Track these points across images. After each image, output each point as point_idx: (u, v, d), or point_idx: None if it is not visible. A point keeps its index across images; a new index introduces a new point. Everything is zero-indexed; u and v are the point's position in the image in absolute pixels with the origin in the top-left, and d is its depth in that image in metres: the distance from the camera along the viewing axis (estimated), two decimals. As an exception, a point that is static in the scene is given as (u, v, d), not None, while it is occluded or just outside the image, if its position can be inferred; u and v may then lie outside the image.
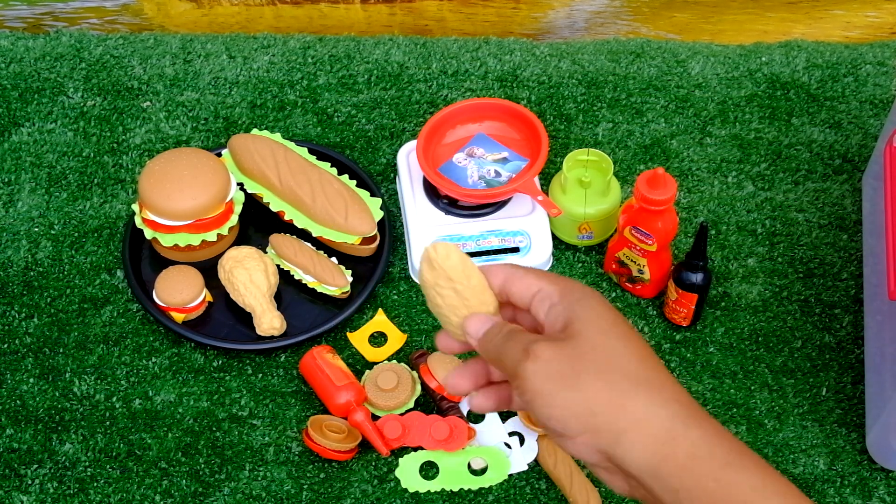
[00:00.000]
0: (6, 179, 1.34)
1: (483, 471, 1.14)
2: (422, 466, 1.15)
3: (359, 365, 1.21)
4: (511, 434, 1.16)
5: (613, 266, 1.24)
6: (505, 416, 1.18)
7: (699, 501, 0.58)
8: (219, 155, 1.31)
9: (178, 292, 1.20)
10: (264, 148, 1.26)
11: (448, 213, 1.26)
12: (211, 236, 1.23)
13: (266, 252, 1.26)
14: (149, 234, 1.23)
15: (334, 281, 1.21)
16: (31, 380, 1.20)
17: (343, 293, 1.23)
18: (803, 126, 1.38)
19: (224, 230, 1.24)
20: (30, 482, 1.13)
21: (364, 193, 1.26)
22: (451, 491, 1.13)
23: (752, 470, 0.59)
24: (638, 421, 0.59)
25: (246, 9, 1.49)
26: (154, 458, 1.15)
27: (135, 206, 1.25)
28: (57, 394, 1.19)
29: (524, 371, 0.61)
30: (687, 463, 0.58)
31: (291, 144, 1.30)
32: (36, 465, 1.14)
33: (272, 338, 1.20)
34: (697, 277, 1.16)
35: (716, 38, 1.49)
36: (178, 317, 1.22)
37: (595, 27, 1.50)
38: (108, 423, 1.17)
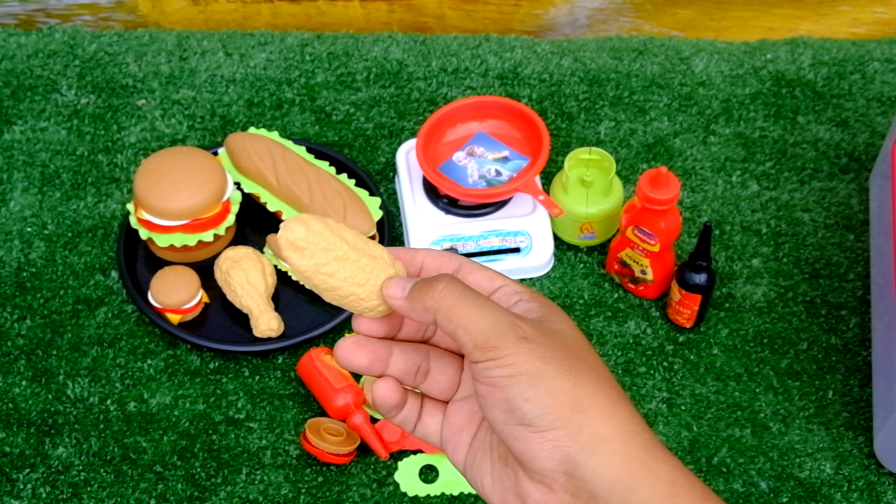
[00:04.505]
0: (-1, 178, 1.33)
1: (484, 475, 1.13)
2: (421, 470, 1.14)
3: (357, 367, 1.20)
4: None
5: (616, 266, 1.23)
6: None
7: None
8: (215, 154, 1.30)
9: (174, 293, 1.19)
10: (261, 147, 1.25)
11: (448, 212, 1.25)
12: (207, 236, 1.22)
13: (263, 252, 1.25)
14: (144, 234, 1.22)
15: (332, 282, 1.20)
16: (24, 382, 1.18)
17: (341, 294, 1.22)
18: (809, 124, 1.36)
19: (221, 230, 1.23)
20: (22, 487, 1.12)
21: (363, 193, 1.25)
22: (451, 495, 1.12)
23: None
24: (622, 434, 0.55)
25: (242, 6, 1.47)
26: (149, 461, 1.14)
27: (130, 206, 1.24)
28: (50, 396, 1.17)
29: (517, 345, 0.55)
30: (668, 489, 0.55)
31: (289, 143, 1.28)
32: (28, 470, 1.13)
33: (269, 339, 1.19)
34: (701, 278, 1.15)
35: (720, 36, 1.47)
36: (174, 318, 1.20)
37: (597, 24, 1.49)
38: (102, 426, 1.16)
